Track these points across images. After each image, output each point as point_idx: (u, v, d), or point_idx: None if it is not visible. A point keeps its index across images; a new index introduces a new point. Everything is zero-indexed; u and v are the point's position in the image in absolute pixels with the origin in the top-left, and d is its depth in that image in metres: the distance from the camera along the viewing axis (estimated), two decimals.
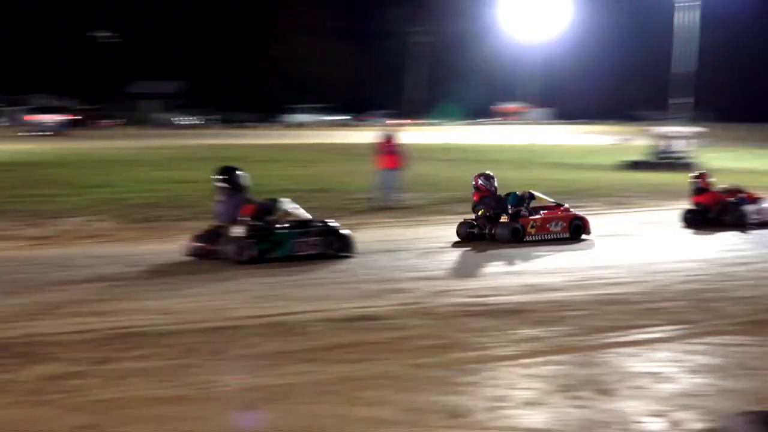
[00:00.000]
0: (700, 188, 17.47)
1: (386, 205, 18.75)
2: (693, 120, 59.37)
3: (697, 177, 17.89)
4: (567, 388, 6.56)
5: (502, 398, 6.34)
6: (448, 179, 25.41)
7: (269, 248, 11.99)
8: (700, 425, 5.82)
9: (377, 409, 6.08)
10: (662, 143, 33.99)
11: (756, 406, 6.04)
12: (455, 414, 5.99)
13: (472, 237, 14.28)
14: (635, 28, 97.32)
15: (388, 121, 22.71)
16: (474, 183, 14.87)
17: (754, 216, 17.01)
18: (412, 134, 49.89)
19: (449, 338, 8.01)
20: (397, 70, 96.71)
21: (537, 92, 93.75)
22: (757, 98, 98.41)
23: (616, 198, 21.89)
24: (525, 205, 14.61)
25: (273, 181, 23.17)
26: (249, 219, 12.05)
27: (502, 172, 28.01)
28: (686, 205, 17.47)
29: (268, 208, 12.45)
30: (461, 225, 14.57)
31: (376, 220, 16.97)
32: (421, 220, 17.24)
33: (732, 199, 17.23)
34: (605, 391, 6.50)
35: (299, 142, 48.60)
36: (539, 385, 6.67)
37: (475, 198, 14.74)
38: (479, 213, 14.49)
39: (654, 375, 6.95)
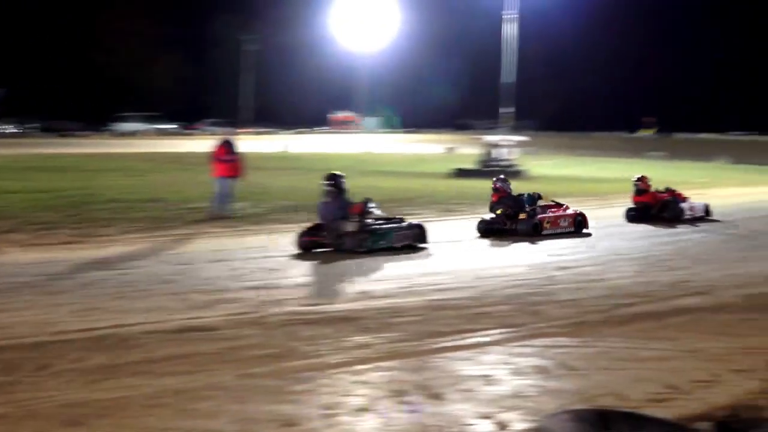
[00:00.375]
0: (641, 189, 20.32)
1: (221, 215, 18.49)
2: (517, 129, 61.23)
3: (638, 180, 20.52)
4: (399, 393, 6.64)
5: (335, 406, 6.37)
6: (285, 188, 25.34)
7: (376, 240, 14.18)
8: (524, 425, 5.99)
9: (209, 421, 6.01)
10: (490, 152, 34.87)
11: (578, 405, 6.28)
12: (288, 423, 5.98)
13: (491, 233, 16.59)
14: (465, 39, 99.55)
15: (222, 129, 22.52)
16: (493, 186, 17.39)
17: (688, 212, 20.06)
18: (248, 143, 49.49)
19: (281, 347, 7.99)
20: (230, 78, 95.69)
21: (369, 101, 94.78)
22: (575, 108, 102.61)
23: (447, 205, 22.25)
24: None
25: (101, 191, 22.54)
26: (357, 217, 14.32)
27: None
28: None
29: (367, 207, 14.82)
30: (481, 222, 16.97)
31: (210, 230, 16.70)
32: (255, 230, 17.06)
33: (669, 197, 20.22)
34: (436, 395, 6.62)
35: (128, 152, 47.45)
36: (372, 391, 6.73)
37: (493, 198, 17.22)
38: (498, 212, 16.92)
39: (483, 378, 7.12)
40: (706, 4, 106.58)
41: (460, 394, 6.71)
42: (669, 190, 20.31)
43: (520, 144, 40.84)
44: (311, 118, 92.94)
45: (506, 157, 35.01)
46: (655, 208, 19.75)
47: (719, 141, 77.88)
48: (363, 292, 10.70)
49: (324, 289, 10.95)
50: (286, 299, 10.24)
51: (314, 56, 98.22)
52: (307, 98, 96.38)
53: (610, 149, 64.26)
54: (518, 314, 9.67)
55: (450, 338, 8.48)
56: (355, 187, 26.06)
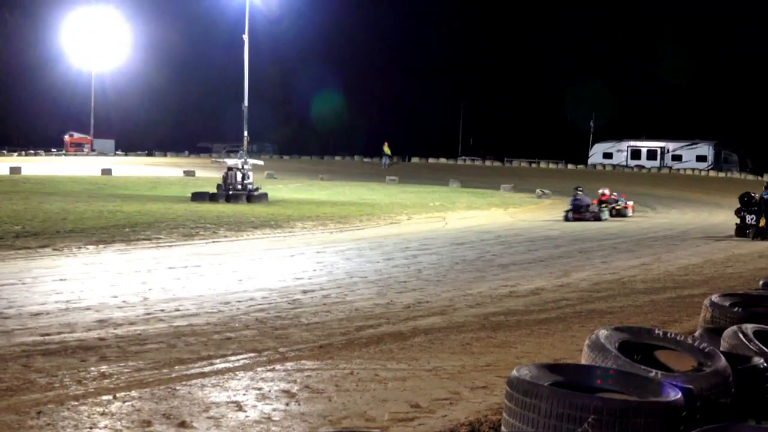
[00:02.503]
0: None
1: None
2: (256, 153, 61.34)
3: (578, 188, 33.59)
4: (146, 423, 6.47)
5: None
6: (15, 212, 24.18)
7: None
8: None
9: None
10: (229, 175, 34.68)
11: (326, 428, 6.36)
12: None
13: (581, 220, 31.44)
14: (205, 61, 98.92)
15: None
16: (601, 191, 35.07)
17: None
18: None
19: (17, 380, 7.57)
20: None
21: (100, 123, 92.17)
22: (310, 133, 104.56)
23: (188, 229, 21.96)
24: None
25: None
26: (596, 205, 32.63)
27: (71, 205, 27.44)
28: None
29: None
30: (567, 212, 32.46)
31: None
32: None
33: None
34: (183, 424, 6.49)
35: None
36: (116, 423, 6.50)
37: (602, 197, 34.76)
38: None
39: (230, 404, 7.06)
40: (434, 33, 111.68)
41: (207, 422, 6.61)
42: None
43: (257, 168, 40.90)
44: (46, 140, 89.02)
45: (246, 180, 34.91)
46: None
47: (448, 166, 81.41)
48: (103, 320, 10.35)
49: (61, 318, 10.44)
50: (20, 329, 9.73)
51: (46, 75, 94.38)
52: (41, 119, 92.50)
53: (350, 174, 65.64)
54: (264, 338, 9.66)
55: (195, 365, 8.34)
56: (94, 210, 25.49)
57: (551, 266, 17.55)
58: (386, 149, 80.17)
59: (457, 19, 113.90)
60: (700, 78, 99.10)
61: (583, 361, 6.49)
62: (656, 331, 6.97)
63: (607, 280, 15.88)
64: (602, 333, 6.65)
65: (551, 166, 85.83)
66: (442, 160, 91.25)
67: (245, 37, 40.24)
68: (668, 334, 6.88)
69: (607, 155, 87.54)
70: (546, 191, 48.81)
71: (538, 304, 12.75)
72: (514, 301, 13.03)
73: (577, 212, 32.06)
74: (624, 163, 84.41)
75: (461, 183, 57.00)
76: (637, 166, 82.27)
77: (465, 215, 32.05)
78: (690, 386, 5.68)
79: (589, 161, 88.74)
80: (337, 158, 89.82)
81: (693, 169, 76.64)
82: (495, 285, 14.57)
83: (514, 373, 5.63)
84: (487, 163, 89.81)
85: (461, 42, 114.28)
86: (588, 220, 31.54)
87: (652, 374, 5.94)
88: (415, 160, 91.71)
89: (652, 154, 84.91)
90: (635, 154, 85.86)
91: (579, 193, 33.20)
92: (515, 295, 13.56)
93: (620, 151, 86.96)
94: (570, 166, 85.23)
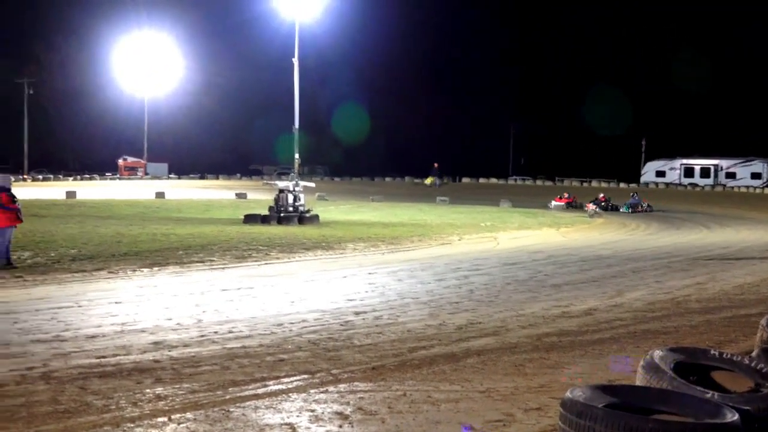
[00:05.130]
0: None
1: (3, 265, 17.63)
2: (307, 175, 61.73)
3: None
4: None
5: None
6: (71, 236, 24.51)
7: None
8: None
9: None
10: (281, 197, 34.89)
11: None
12: None
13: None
14: (255, 86, 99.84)
15: (2, 176, 21.37)
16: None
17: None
18: (30, 189, 47.62)
19: (74, 403, 7.68)
20: (7, 123, 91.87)
21: (153, 147, 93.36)
22: (360, 155, 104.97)
23: (240, 251, 22.10)
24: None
25: None
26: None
27: (125, 228, 27.78)
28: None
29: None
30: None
31: None
32: (43, 279, 16.36)
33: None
34: None
35: None
36: None
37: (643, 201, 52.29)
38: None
39: (284, 426, 7.10)
40: (483, 54, 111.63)
41: None
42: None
43: (309, 190, 41.13)
44: (100, 164, 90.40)
45: (297, 202, 35.09)
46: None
47: (499, 185, 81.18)
48: (157, 342, 10.45)
49: (117, 340, 10.57)
50: (77, 351, 9.86)
51: (100, 100, 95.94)
52: (95, 143, 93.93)
53: (400, 195, 65.79)
54: (316, 360, 9.70)
55: (249, 387, 8.40)
56: (148, 234, 25.79)
57: (604, 286, 17.40)
58: (427, 180, 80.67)
59: (507, 40, 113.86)
60: (755, 94, 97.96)
61: (638, 383, 6.44)
62: (712, 352, 6.89)
63: (661, 299, 15.70)
64: (657, 354, 6.59)
65: (603, 184, 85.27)
66: (493, 180, 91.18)
67: (295, 60, 40.50)
68: (724, 355, 6.80)
69: (660, 173, 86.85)
70: (598, 210, 48.41)
71: (592, 325, 12.65)
72: (567, 321, 12.94)
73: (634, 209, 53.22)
74: (677, 181, 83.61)
75: (512, 203, 56.80)
76: (690, 184, 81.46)
77: (516, 235, 31.90)
78: (747, 407, 5.61)
79: (642, 179, 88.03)
80: (388, 179, 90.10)
81: (747, 187, 75.71)
82: (547, 305, 14.48)
83: (568, 394, 5.60)
84: (538, 182, 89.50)
85: (511, 62, 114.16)
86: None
87: (709, 395, 5.87)
88: (465, 180, 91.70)
89: (705, 172, 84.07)
90: (688, 172, 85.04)
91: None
92: (568, 316, 13.46)
93: (673, 169, 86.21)
94: (622, 185, 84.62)
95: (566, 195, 58.64)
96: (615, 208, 53.27)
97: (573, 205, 55.82)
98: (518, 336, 11.54)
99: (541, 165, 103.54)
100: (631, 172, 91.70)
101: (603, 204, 53.69)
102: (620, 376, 9.03)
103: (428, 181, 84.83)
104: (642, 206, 53.61)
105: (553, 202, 57.22)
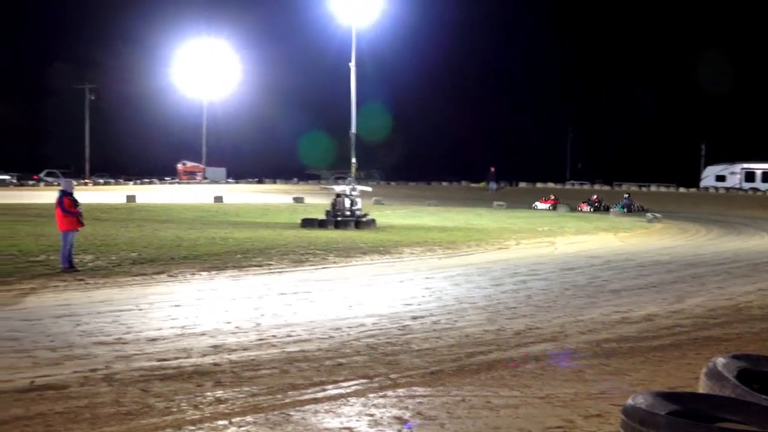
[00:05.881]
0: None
1: (67, 268, 17.93)
2: (364, 179, 61.87)
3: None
4: None
5: None
6: (131, 240, 24.82)
7: None
8: None
9: None
10: (338, 202, 35.02)
11: None
12: None
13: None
14: (311, 90, 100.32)
15: (62, 180, 21.73)
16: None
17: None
18: (91, 193, 48.33)
19: (136, 405, 7.78)
20: (69, 128, 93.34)
21: (211, 151, 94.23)
22: (417, 159, 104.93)
23: (298, 255, 22.21)
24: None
25: None
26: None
27: (184, 232, 28.07)
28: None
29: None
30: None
31: (54, 284, 16.15)
32: (104, 282, 16.58)
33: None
34: None
35: None
36: None
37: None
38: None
39: (342, 430, 7.11)
40: (539, 58, 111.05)
41: None
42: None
43: (365, 194, 41.25)
44: (159, 169, 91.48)
45: (354, 206, 35.19)
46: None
47: (556, 190, 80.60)
48: (217, 346, 10.54)
49: (177, 343, 10.68)
50: (138, 354, 9.99)
51: (158, 106, 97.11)
52: (155, 148, 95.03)
53: (457, 199, 65.68)
54: (375, 364, 9.71)
55: (308, 391, 8.43)
56: (207, 237, 26.03)
57: (664, 292, 17.20)
58: (481, 184, 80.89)
59: (564, 45, 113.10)
60: None
61: (701, 390, 6.35)
62: None
63: (722, 306, 15.47)
64: (720, 361, 6.50)
65: (662, 189, 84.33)
66: (550, 185, 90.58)
67: (352, 65, 40.66)
68: None
69: (720, 178, 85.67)
70: (657, 215, 47.89)
71: (652, 331, 12.51)
72: (627, 327, 12.81)
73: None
74: (738, 186, 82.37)
75: (570, 207, 56.39)
76: (751, 188, 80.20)
77: (574, 240, 31.68)
78: None
79: (701, 184, 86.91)
80: (444, 184, 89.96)
81: None
82: (606, 311, 14.35)
83: (630, 401, 5.55)
84: (596, 186, 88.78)
85: (568, 67, 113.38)
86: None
87: None
88: (522, 184, 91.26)
89: (767, 177, 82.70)
90: (749, 176, 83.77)
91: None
92: (628, 322, 13.32)
93: (734, 173, 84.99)
94: (681, 189, 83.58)
95: (552, 197, 63.76)
96: (607, 209, 58.43)
97: (556, 207, 59.76)
98: (577, 341, 11.45)
99: (598, 169, 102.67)
100: (690, 176, 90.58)
101: (596, 204, 60.13)
102: (681, 383, 8.92)
103: (482, 184, 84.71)
104: (634, 206, 58.69)
105: (538, 204, 61.67)
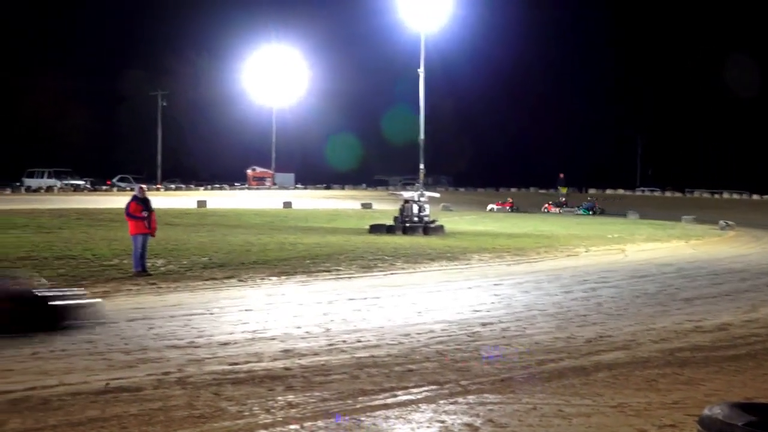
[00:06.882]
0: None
1: (139, 272, 18.21)
2: (432, 185, 61.89)
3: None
4: None
5: None
6: (202, 245, 25.11)
7: None
8: None
9: None
10: (405, 208, 35.03)
11: None
12: None
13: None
14: (378, 96, 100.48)
15: (135, 186, 22.07)
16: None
17: None
18: (163, 199, 49.01)
19: (209, 408, 7.86)
20: (142, 134, 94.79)
21: (280, 157, 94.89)
22: (485, 165, 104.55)
23: (366, 261, 22.27)
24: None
25: (11, 249, 22.03)
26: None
27: (254, 237, 28.33)
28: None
29: None
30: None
31: (127, 287, 16.42)
32: (176, 287, 16.81)
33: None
34: None
35: (37, 208, 46.54)
36: None
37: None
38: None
39: None
40: (609, 64, 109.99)
41: None
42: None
43: (433, 200, 41.20)
44: (228, 174, 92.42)
45: (422, 212, 35.16)
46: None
47: (626, 197, 79.73)
48: (288, 350, 10.61)
49: (249, 348, 10.78)
50: (210, 358, 10.10)
51: (228, 112, 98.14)
52: (225, 153, 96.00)
53: (525, 206, 65.36)
54: (445, 371, 9.69)
55: (378, 396, 8.45)
56: (276, 243, 26.22)
57: (738, 300, 16.90)
58: (562, 190, 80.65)
59: (633, 50, 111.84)
60: None
61: None
62: None
63: None
64: None
65: (735, 196, 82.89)
66: (620, 191, 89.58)
67: (420, 71, 40.63)
68: None
69: None
70: (730, 223, 47.11)
71: (726, 340, 12.29)
72: (700, 336, 12.61)
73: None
74: None
75: (640, 214, 55.75)
76: None
77: (644, 247, 31.28)
78: None
79: None
80: (513, 190, 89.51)
81: None
82: (679, 319, 14.14)
83: (706, 412, 5.46)
84: (667, 193, 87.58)
85: (638, 73, 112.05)
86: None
87: None
88: (592, 190, 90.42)
89: None
90: None
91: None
92: (701, 331, 13.11)
93: None
94: (755, 197, 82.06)
95: (509, 200, 66.80)
96: (571, 209, 63.02)
97: (513, 210, 62.94)
98: (650, 350, 11.30)
99: (669, 176, 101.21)
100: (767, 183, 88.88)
101: (563, 206, 64.58)
102: (758, 393, 8.76)
103: (564, 190, 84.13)
104: (595, 209, 62.85)
105: (493, 206, 64.13)
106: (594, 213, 61.58)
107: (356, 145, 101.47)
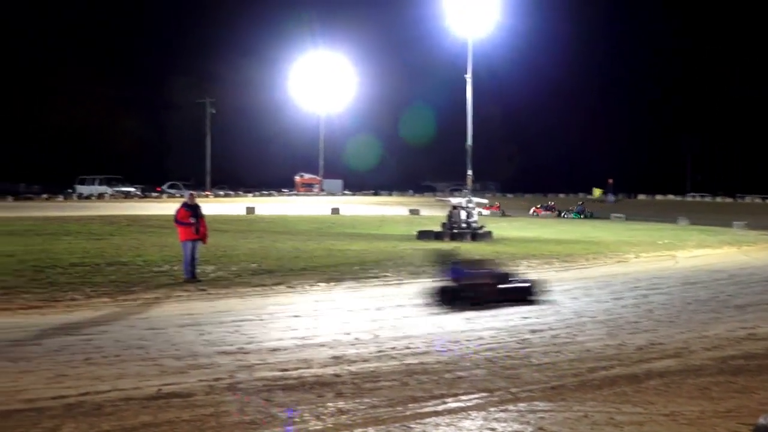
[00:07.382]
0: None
1: (189, 278, 18.35)
2: (480, 191, 61.71)
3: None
4: None
5: None
6: (251, 251, 25.24)
7: None
8: None
9: None
10: (453, 214, 34.91)
11: None
12: None
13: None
14: (425, 102, 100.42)
15: (184, 192, 22.11)
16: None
17: None
18: (211, 205, 49.34)
19: (260, 414, 7.91)
20: (191, 141, 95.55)
21: (328, 163, 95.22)
22: (533, 170, 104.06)
23: (414, 267, 22.22)
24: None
25: (63, 255, 22.30)
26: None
27: (302, 243, 28.42)
28: None
29: None
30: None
31: (178, 294, 16.57)
32: (226, 293, 16.94)
33: None
34: None
35: (88, 214, 47.02)
36: None
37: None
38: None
39: None
40: (657, 69, 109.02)
41: None
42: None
43: (481, 206, 41.06)
44: (276, 181, 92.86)
45: (470, 218, 35.03)
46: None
47: (676, 202, 78.92)
48: (338, 357, 10.64)
49: (299, 354, 10.82)
50: (260, 364, 10.15)
51: (277, 118, 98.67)
52: (273, 160, 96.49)
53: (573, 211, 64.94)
54: (494, 378, 9.65)
55: (428, 404, 8.44)
56: (324, 249, 26.29)
57: None
58: (595, 192, 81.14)
59: (687, 53, 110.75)
60: None
61: None
62: None
63: None
64: None
65: None
66: (670, 197, 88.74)
67: (468, 77, 40.57)
68: None
69: None
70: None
71: None
72: (754, 344, 12.43)
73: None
74: None
75: (690, 220, 55.12)
76: None
77: (695, 253, 30.92)
78: None
79: None
80: (561, 195, 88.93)
81: None
82: (732, 327, 13.95)
83: (762, 420, 5.39)
84: (718, 199, 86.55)
85: (689, 78, 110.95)
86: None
87: None
88: (641, 196, 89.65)
89: None
90: None
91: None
92: (755, 338, 12.93)
93: None
94: None
95: (496, 204, 64.96)
96: (560, 214, 64.55)
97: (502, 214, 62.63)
98: (702, 358, 11.17)
99: (720, 181, 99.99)
100: None
101: (552, 209, 66.29)
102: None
103: (597, 193, 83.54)
104: (585, 213, 63.68)
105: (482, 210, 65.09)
106: (585, 217, 62.53)
107: (402, 150, 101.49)
